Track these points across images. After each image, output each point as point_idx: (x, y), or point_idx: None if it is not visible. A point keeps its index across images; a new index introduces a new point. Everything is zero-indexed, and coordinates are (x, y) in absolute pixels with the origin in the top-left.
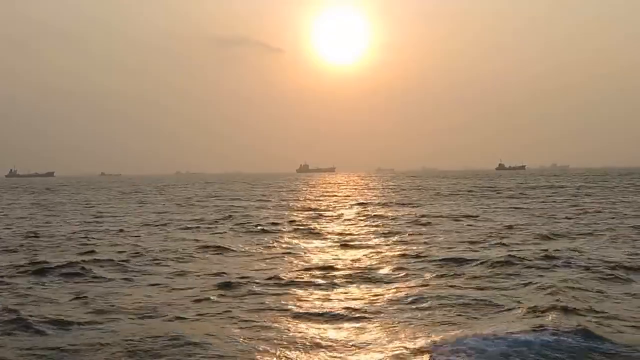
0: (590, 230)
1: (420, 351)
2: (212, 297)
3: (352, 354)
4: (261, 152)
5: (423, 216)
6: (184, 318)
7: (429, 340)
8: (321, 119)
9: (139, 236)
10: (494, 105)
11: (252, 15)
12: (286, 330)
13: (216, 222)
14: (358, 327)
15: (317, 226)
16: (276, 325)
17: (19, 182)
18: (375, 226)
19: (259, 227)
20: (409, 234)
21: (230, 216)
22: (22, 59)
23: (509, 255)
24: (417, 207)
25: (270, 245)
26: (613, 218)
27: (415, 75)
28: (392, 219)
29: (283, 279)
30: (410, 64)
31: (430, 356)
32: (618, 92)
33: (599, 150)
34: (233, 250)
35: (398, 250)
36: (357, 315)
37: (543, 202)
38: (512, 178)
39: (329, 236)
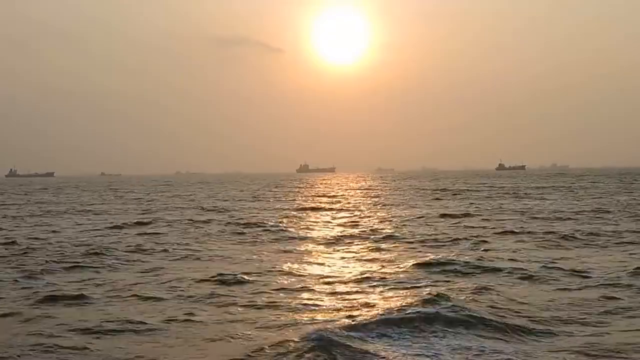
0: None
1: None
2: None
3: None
4: (261, 152)
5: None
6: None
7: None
8: (321, 119)
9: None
10: (494, 105)
11: (252, 15)
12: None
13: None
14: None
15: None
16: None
17: (18, 182)
18: (352, 230)
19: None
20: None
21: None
22: (22, 59)
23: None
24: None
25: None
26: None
27: (415, 75)
28: (366, 223)
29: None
30: (410, 64)
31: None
32: (618, 92)
33: (599, 150)
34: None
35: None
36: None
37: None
38: (510, 177)
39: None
